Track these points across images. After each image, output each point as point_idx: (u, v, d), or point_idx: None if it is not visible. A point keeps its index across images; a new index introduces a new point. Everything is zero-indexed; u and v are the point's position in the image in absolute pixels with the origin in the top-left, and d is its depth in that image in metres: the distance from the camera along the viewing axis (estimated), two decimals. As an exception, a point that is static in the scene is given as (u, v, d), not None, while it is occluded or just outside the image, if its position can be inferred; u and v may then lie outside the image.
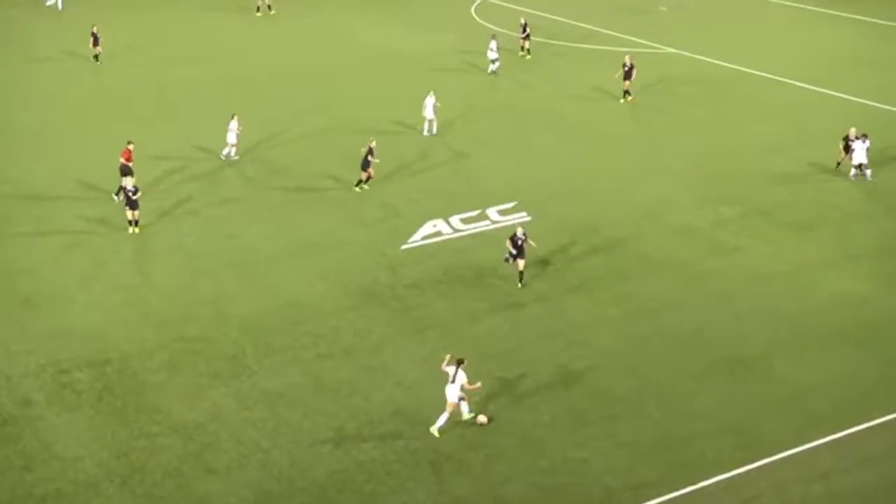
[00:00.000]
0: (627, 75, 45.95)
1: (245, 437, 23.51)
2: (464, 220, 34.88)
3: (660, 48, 54.13)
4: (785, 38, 56.41)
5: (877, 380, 25.69)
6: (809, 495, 21.63)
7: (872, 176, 36.51)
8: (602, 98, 46.97)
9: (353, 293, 30.13)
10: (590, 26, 58.78)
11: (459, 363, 23.78)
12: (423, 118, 42.68)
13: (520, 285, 30.13)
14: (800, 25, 59.38)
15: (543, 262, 31.86)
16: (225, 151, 40.21)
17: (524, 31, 53.88)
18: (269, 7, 62.68)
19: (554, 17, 60.62)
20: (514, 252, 30.16)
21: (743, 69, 50.61)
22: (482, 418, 24.08)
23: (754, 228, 34.07)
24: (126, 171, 35.33)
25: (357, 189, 37.39)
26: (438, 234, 33.99)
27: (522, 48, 54.12)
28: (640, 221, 34.73)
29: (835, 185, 37.49)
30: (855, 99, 46.14)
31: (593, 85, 48.36)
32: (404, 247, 33.07)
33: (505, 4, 61.69)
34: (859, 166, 36.85)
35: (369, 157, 37.06)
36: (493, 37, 52.30)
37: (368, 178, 37.43)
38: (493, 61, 51.19)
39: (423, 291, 30.28)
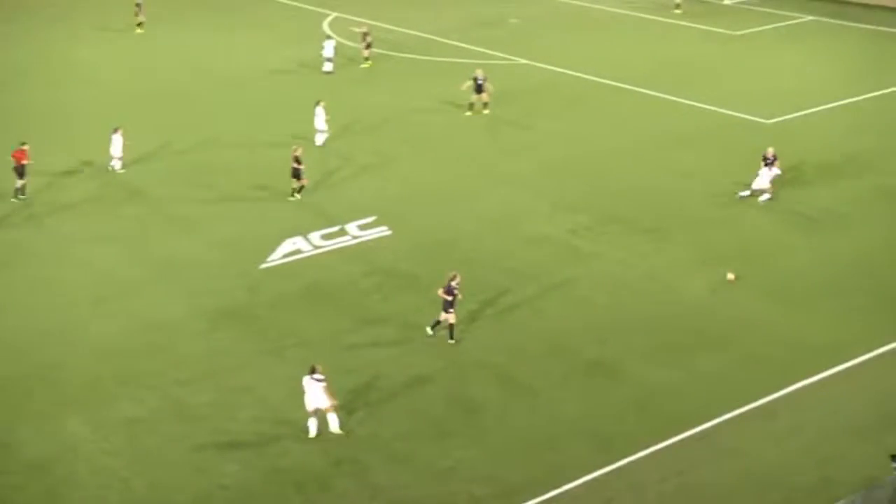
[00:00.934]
0: (479, 89, 46.35)
1: (103, 467, 22.95)
2: (324, 237, 34.76)
3: (511, 59, 54.93)
4: (632, 48, 57.85)
5: (730, 379, 26.48)
6: (665, 492, 22.19)
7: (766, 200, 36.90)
8: (455, 110, 47.37)
9: (213, 314, 29.74)
10: (442, 39, 59.26)
11: (313, 371, 24.06)
12: (316, 129, 42.41)
13: (452, 341, 28.12)
14: (645, 35, 60.96)
15: (407, 276, 31.95)
16: (111, 164, 40.15)
17: (364, 39, 54.31)
18: (139, 25, 61.54)
19: (405, 30, 60.94)
20: (448, 300, 27.86)
21: (593, 78, 51.70)
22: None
23: (610, 235, 34.76)
24: (21, 173, 37.12)
25: (291, 199, 37.61)
26: (298, 251, 33.78)
27: (365, 58, 54.56)
28: (497, 232, 35.11)
29: (687, 189, 38.49)
30: (698, 105, 47.57)
31: (446, 97, 48.70)
32: (263, 266, 32.78)
33: (356, 18, 61.76)
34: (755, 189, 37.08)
35: (296, 165, 37.41)
36: (328, 37, 54.26)
37: (301, 187, 37.75)
38: (327, 60, 52.70)
39: (284, 310, 30.06)
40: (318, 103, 42.77)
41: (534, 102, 48.46)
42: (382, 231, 35.15)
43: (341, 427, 24.19)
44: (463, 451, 23.67)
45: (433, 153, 42.55)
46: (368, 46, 54.33)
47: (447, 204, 37.48)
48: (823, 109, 46.66)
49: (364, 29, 55.12)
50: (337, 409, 24.29)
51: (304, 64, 54.54)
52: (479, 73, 46.70)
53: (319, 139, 42.45)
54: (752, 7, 66.75)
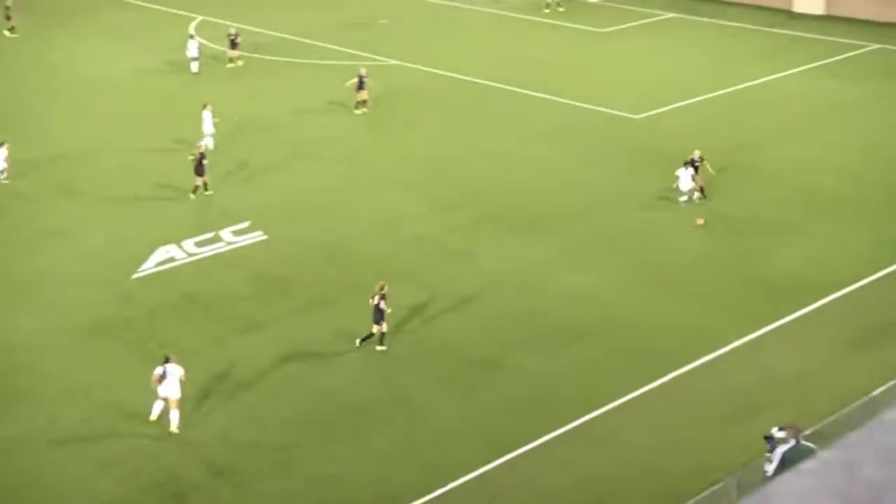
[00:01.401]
0: (361, 86, 46.46)
1: (-28, 493, 22.17)
2: (198, 244, 34.16)
3: (383, 60, 54.86)
4: (502, 47, 58.29)
5: (607, 370, 26.90)
6: (551, 485, 22.43)
7: (687, 202, 36.83)
8: (330, 111, 47.11)
9: (85, 328, 28.97)
10: (312, 41, 58.84)
11: (167, 360, 24.34)
12: (203, 134, 41.55)
13: (383, 347, 27.85)
14: (514, 34, 61.52)
15: (282, 282, 31.63)
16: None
17: (233, 42, 53.88)
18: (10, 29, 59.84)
19: (274, 32, 60.30)
20: (381, 310, 27.55)
21: (466, 78, 51.92)
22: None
23: (485, 233, 34.98)
24: None
25: (192, 196, 37.53)
26: (172, 259, 33.14)
27: (231, 59, 54.13)
28: (375, 233, 35.02)
29: (559, 186, 38.97)
30: (569, 102, 48.21)
31: (320, 99, 48.42)
32: (136, 276, 32.06)
33: (223, 22, 60.88)
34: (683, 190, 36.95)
35: (203, 162, 37.36)
36: (191, 37, 53.86)
37: (205, 184, 37.62)
38: (193, 60, 52.54)
39: (159, 320, 29.46)
40: (204, 106, 42.02)
41: (409, 103, 48.47)
42: (258, 236, 34.72)
43: (178, 427, 24.25)
44: (347, 456, 23.53)
45: (311, 156, 42.19)
46: (235, 46, 53.85)
47: (325, 207, 37.22)
48: (689, 103, 47.74)
49: (233, 31, 54.54)
50: (180, 405, 24.28)
51: (174, 67, 53.59)
52: (363, 72, 46.95)
53: (209, 143, 41.66)
54: (615, 5, 67.92)
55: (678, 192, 36.78)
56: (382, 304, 27.62)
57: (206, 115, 41.83)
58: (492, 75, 52.00)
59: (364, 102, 46.80)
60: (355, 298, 30.05)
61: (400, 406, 25.42)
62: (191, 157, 37.75)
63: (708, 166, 37.35)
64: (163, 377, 24.29)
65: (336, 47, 57.58)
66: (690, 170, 36.65)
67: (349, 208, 37.04)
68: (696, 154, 37.33)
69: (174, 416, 24.17)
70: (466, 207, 36.98)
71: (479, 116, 46.85)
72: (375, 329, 27.82)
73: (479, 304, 30.34)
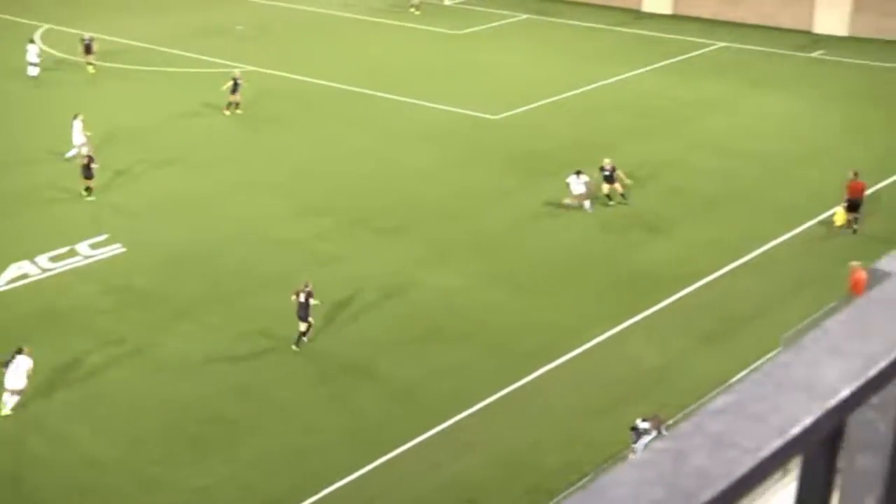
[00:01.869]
0: (235, 89, 46.71)
1: None
2: (52, 259, 33.22)
3: (242, 67, 54.23)
4: (360, 51, 58.33)
5: (476, 369, 27.21)
6: (426, 484, 22.60)
7: (591, 207, 36.80)
8: (191, 119, 46.37)
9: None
10: (167, 49, 57.86)
11: (19, 351, 24.75)
12: (73, 144, 40.35)
13: (295, 347, 28.02)
14: (372, 38, 61.67)
15: (143, 294, 31.03)
16: None
17: (88, 48, 53.16)
18: None
19: (129, 41, 59.04)
20: (306, 308, 27.83)
21: (325, 83, 51.76)
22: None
23: (353, 236, 34.95)
24: None
25: (85, 194, 37.46)
26: (25, 276, 32.16)
27: (89, 63, 53.32)
28: (240, 240, 34.60)
29: (423, 187, 39.13)
30: (429, 104, 48.55)
31: (179, 106, 47.62)
32: (-12, 293, 31.06)
33: (71, 30, 59.41)
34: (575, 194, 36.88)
35: (91, 165, 37.31)
36: (31, 41, 53.14)
37: (88, 189, 37.60)
38: (32, 64, 51.79)
39: (13, 339, 28.48)
40: (75, 116, 40.93)
41: (270, 109, 48.02)
42: (116, 249, 33.97)
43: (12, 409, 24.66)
44: (219, 467, 23.27)
45: (172, 165, 41.36)
46: (89, 52, 53.04)
47: (189, 215, 36.59)
48: (546, 103, 48.57)
49: (87, 37, 53.52)
50: (22, 393, 24.58)
51: (21, 76, 52.08)
52: (237, 74, 47.25)
53: (72, 153, 40.57)
54: (470, 7, 68.68)
55: (572, 197, 36.66)
56: (312, 301, 27.83)
57: (77, 125, 40.75)
58: (352, 80, 51.99)
59: (236, 105, 46.92)
60: (219, 308, 29.69)
61: (271, 414, 25.23)
62: (80, 160, 38.12)
63: (622, 175, 37.34)
64: (8, 363, 24.60)
65: (192, 55, 56.75)
66: (584, 177, 36.30)
67: (214, 215, 36.52)
68: (607, 163, 37.24)
69: (10, 400, 24.50)
70: (333, 211, 36.87)
71: (341, 121, 46.78)
72: (303, 326, 27.96)
73: (349, 308, 30.32)
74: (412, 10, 67.16)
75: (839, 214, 35.06)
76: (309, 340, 28.17)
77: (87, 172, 37.62)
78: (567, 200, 36.84)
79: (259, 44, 59.27)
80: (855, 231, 34.63)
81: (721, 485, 1.24)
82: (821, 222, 35.38)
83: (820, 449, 1.44)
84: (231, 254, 33.64)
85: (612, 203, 37.02)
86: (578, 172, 36.53)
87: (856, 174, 35.07)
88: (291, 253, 33.75)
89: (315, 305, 28.25)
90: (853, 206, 34.74)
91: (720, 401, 1.36)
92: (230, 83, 46.92)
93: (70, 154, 40.53)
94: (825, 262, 32.29)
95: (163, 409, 25.44)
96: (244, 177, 40.08)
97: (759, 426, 1.30)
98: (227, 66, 53.94)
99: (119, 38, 59.19)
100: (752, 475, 1.25)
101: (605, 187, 37.09)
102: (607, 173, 37.06)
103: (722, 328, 29.02)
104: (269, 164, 41.51)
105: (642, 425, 22.88)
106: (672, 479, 1.24)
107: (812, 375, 1.38)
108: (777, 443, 1.28)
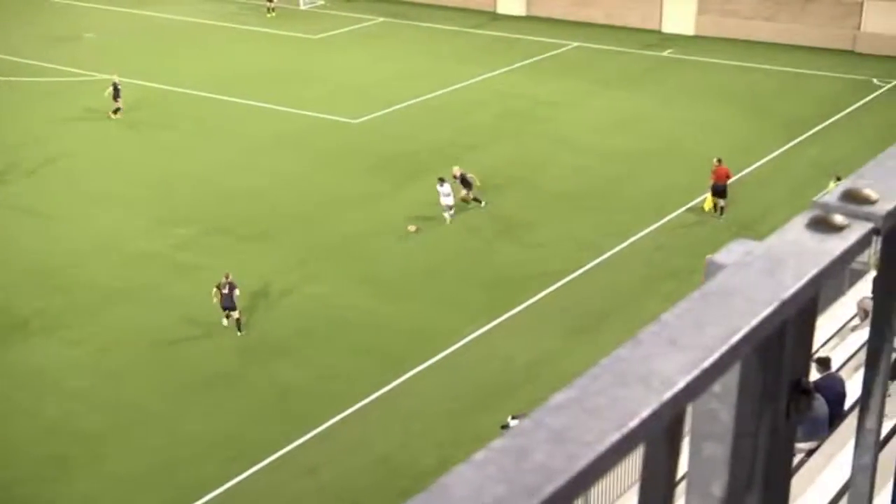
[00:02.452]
0: (116, 94, 46.31)
1: None
2: None
3: (95, 75, 53.01)
4: (217, 57, 57.50)
5: (347, 371, 27.24)
6: (303, 490, 22.55)
7: (451, 217, 36.47)
8: (40, 131, 45.07)
9: None
10: (14, 58, 56.09)
11: None
12: None
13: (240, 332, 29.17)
14: (228, 44, 60.86)
15: None
16: None
17: None
18: None
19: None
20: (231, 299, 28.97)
21: (182, 90, 50.90)
22: None
23: (215, 246, 34.46)
24: None
25: None
26: None
27: None
28: (98, 253, 33.84)
29: (284, 192, 38.86)
30: (287, 109, 48.24)
31: (28, 118, 46.27)
32: None
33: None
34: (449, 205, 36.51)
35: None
36: None
37: None
38: None
39: None
40: None
41: (129, 118, 46.98)
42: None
43: None
44: (86, 483, 22.79)
45: (28, 177, 40.16)
46: None
47: (40, 229, 35.61)
48: (405, 106, 48.77)
49: None
50: None
51: None
52: (116, 78, 46.76)
53: None
54: (326, 11, 68.46)
55: (445, 208, 36.29)
56: (237, 292, 28.90)
57: None
58: (208, 86, 51.29)
59: (119, 110, 46.62)
60: (83, 323, 29.03)
61: (138, 428, 24.79)
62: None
63: (476, 179, 37.39)
64: None
65: (42, 63, 55.16)
66: (447, 185, 36.08)
67: (69, 230, 35.57)
68: (457, 171, 37.25)
69: None
70: (193, 221, 36.31)
71: (199, 128, 46.11)
72: (235, 314, 29.00)
73: (212, 317, 29.90)
74: (267, 13, 66.63)
75: (707, 200, 36.60)
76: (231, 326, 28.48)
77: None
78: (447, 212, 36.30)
79: (112, 52, 57.96)
80: (722, 213, 36.19)
81: (561, 479, 1.23)
82: (677, 216, 36.42)
83: (660, 440, 1.45)
84: (86, 269, 32.81)
85: (471, 207, 37.32)
86: (442, 181, 36.17)
87: (720, 160, 36.80)
88: (149, 265, 33.09)
89: (238, 296, 29.13)
90: (718, 192, 36.36)
91: (560, 396, 1.37)
92: (110, 89, 46.42)
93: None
94: (683, 255, 33.29)
95: (21, 430, 24.74)
96: (98, 188, 39.16)
97: (597, 420, 1.30)
98: (83, 74, 52.65)
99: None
100: (592, 468, 1.25)
101: (463, 192, 37.28)
102: (461, 180, 37.01)
103: (587, 323, 29.62)
104: (123, 176, 40.56)
105: (513, 423, 23.26)
106: (514, 476, 1.23)
107: (649, 368, 1.37)
108: (616, 436, 1.28)
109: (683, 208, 36.86)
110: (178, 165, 41.66)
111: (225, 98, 49.96)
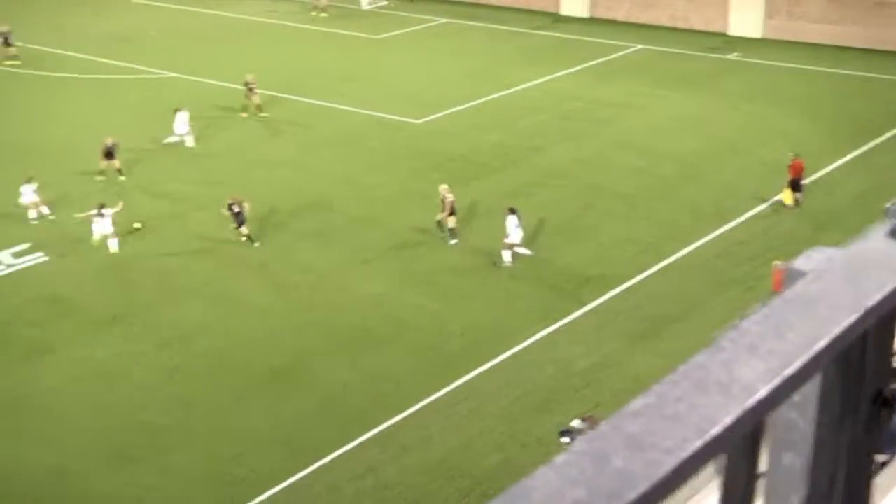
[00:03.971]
0: (251, 92, 46.72)
1: None
2: (-27, 268, 32.65)
3: (158, 73, 53.67)
4: (279, 56, 57.82)
5: (406, 371, 27.27)
6: (361, 490, 22.62)
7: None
8: (112, 127, 45.66)
9: None
10: (78, 54, 56.91)
11: None
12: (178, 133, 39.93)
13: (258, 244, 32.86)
14: (290, 42, 61.25)
15: (69, 302, 30.60)
16: None
17: (6, 41, 54.22)
18: None
19: (40, 47, 57.91)
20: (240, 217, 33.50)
21: (241, 88, 51.26)
22: None
23: (275, 242, 34.71)
24: None
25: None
26: (-55, 287, 31.55)
27: (9, 57, 54.43)
28: (162, 247, 34.20)
29: (343, 191, 39.01)
30: (350, 109, 48.43)
31: (108, 115, 46.81)
32: None
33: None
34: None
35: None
36: None
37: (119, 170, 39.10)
38: None
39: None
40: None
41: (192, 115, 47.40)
42: (39, 257, 33.42)
43: None
44: (148, 477, 23.06)
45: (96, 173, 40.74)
46: (8, 45, 54.05)
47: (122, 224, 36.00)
48: (468, 106, 48.71)
49: (5, 28, 54.30)
50: None
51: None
52: (250, 77, 46.77)
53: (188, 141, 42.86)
54: (388, 11, 68.63)
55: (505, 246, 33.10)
56: (246, 207, 33.67)
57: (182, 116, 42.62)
58: (272, 85, 51.54)
59: (259, 108, 47.14)
60: (145, 316, 29.42)
61: (199, 422, 25.05)
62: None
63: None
64: None
65: (106, 60, 55.93)
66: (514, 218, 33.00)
67: (127, 227, 35.93)
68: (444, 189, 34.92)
69: None
70: (254, 217, 36.48)
71: (262, 126, 46.42)
72: (245, 229, 33.75)
73: (272, 313, 30.15)
74: (315, 13, 66.94)
75: (786, 195, 36.65)
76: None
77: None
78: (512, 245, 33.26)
79: (174, 50, 58.61)
80: (797, 203, 36.38)
81: (643, 486, 1.22)
82: (742, 222, 36.00)
83: (740, 448, 1.44)
84: (150, 263, 33.19)
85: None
86: (513, 211, 33.30)
87: (796, 154, 37.05)
88: (211, 260, 33.39)
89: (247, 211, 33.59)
90: (796, 185, 36.54)
91: (637, 402, 1.35)
92: (246, 88, 47.19)
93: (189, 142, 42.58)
94: (747, 261, 32.91)
95: (87, 418, 25.12)
96: (164, 187, 39.57)
97: (678, 427, 1.29)
98: (149, 72, 53.33)
99: (28, 43, 58.04)
100: (674, 476, 1.24)
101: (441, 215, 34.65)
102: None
103: (649, 329, 29.33)
104: (184, 173, 40.96)
105: (579, 425, 23.20)
106: (594, 480, 1.23)
107: (730, 375, 1.36)
108: (697, 444, 1.26)
109: (748, 214, 36.42)
110: (237, 162, 41.91)
111: (289, 97, 50.26)
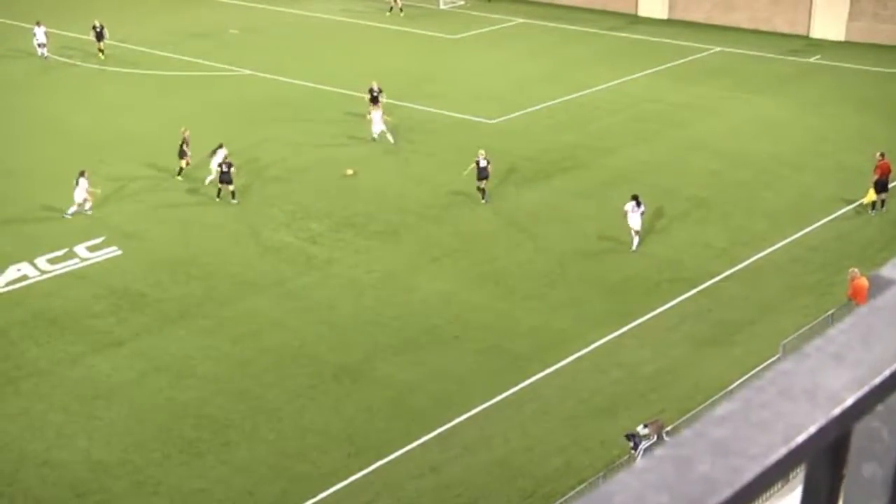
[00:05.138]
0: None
1: None
2: (51, 261, 33.26)
3: (235, 70, 54.29)
4: (356, 55, 58.19)
5: (471, 371, 27.22)
6: (423, 489, 22.61)
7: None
8: (186, 123, 46.29)
9: (-67, 352, 27.92)
10: (159, 52, 57.80)
11: None
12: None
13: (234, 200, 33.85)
14: (367, 42, 61.56)
15: (139, 297, 31.05)
16: None
17: (99, 34, 55.61)
18: None
19: (120, 44, 58.86)
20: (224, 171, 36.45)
21: (321, 87, 51.70)
22: None
23: (345, 240, 34.92)
24: None
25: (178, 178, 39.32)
26: (24, 277, 32.19)
27: (100, 51, 55.88)
28: (235, 245, 34.60)
29: (412, 190, 39.11)
30: (424, 108, 48.55)
31: (179, 111, 47.56)
32: (-14, 296, 31.06)
33: (64, 32, 59.39)
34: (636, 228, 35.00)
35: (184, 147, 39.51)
36: (38, 24, 55.71)
37: (181, 169, 39.75)
38: (40, 45, 55.26)
39: (11, 341, 28.58)
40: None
41: (263, 112, 47.93)
42: (113, 251, 33.99)
43: None
44: (214, 470, 23.29)
45: (156, 167, 41.32)
46: (101, 38, 55.82)
47: (176, 220, 36.56)
48: (542, 107, 48.57)
49: (97, 24, 55.83)
50: None
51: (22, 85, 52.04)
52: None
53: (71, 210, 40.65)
54: (465, 11, 68.70)
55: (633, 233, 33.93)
56: (233, 168, 36.08)
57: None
58: (347, 84, 51.81)
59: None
60: (217, 311, 29.74)
61: (263, 417, 25.25)
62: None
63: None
64: None
65: (186, 58, 56.72)
66: (632, 203, 33.80)
67: (203, 220, 36.44)
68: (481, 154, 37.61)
69: None
70: (323, 215, 36.80)
71: (334, 123, 46.69)
72: (231, 186, 36.97)
73: (342, 311, 30.32)
74: (390, 13, 67.17)
75: (869, 194, 36.14)
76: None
77: (181, 153, 39.66)
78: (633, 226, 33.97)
79: (253, 48, 59.23)
80: (883, 206, 35.85)
81: (726, 492, 1.23)
82: (817, 228, 35.39)
83: (824, 458, 1.44)
84: (224, 258, 33.58)
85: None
86: (637, 200, 33.87)
87: (882, 154, 36.36)
88: (283, 257, 33.67)
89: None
90: (881, 186, 35.91)
91: (722, 408, 1.37)
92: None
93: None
94: (821, 268, 32.33)
95: (157, 412, 25.45)
96: (239, 182, 39.96)
97: (763, 434, 1.30)
98: (224, 70, 53.94)
99: (119, 42, 59.05)
100: (758, 483, 1.25)
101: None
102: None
103: (719, 335, 28.96)
104: (260, 168, 41.39)
105: (643, 431, 22.95)
106: (676, 485, 1.24)
107: (816, 383, 1.37)
108: (782, 451, 1.28)
109: (824, 220, 35.79)
110: (307, 159, 42.13)
111: (360, 96, 50.45)
